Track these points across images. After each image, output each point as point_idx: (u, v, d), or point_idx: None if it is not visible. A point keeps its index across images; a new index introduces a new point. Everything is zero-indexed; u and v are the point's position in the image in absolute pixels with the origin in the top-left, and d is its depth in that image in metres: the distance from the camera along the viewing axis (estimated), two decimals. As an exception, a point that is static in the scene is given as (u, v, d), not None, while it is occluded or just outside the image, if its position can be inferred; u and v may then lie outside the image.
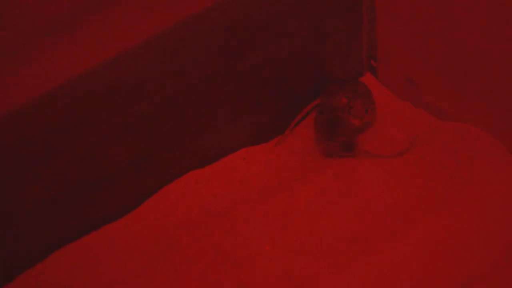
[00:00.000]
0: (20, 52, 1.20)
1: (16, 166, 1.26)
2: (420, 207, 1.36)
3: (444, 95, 1.49)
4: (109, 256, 1.36)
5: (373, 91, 1.55)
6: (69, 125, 1.28)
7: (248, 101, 1.48)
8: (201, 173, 1.47)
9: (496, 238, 1.30)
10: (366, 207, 1.37)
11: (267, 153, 1.51)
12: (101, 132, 1.32)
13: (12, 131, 1.23)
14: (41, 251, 1.35)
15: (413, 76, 1.53)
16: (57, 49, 1.22)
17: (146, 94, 1.34)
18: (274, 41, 1.44)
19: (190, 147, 1.45)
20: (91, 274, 1.34)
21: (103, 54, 1.25)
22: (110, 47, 1.25)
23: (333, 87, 1.53)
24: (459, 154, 1.43)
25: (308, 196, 1.40)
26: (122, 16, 1.24)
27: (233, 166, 1.49)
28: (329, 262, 1.30)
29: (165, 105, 1.37)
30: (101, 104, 1.29)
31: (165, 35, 1.29)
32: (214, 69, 1.38)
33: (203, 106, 1.42)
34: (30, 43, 1.19)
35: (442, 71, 1.46)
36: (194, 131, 1.44)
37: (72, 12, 1.20)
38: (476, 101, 1.44)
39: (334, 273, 1.29)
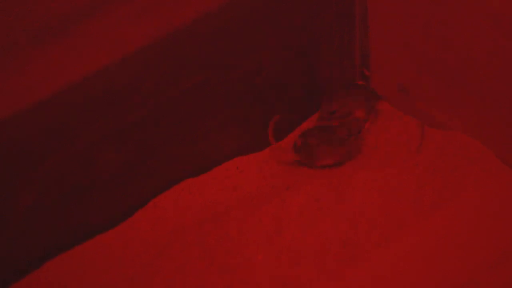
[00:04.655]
0: (12, 60, 1.20)
1: (9, 173, 1.26)
2: (414, 212, 1.36)
3: (437, 104, 1.50)
4: (103, 264, 1.36)
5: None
6: (62, 132, 1.28)
7: (242, 109, 1.48)
8: (194, 181, 1.47)
9: (489, 243, 1.30)
10: (360, 213, 1.37)
11: (260, 162, 1.51)
12: (94, 140, 1.32)
13: (4, 137, 1.23)
14: (37, 259, 1.35)
15: (406, 85, 1.54)
16: (50, 56, 1.22)
17: (140, 101, 1.34)
18: (267, 49, 1.45)
19: (183, 156, 1.45)
20: (86, 282, 1.34)
21: (96, 61, 1.25)
22: (104, 54, 1.26)
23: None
24: (452, 161, 1.44)
25: (301, 203, 1.40)
26: (117, 23, 1.24)
27: (227, 174, 1.49)
28: (323, 269, 1.30)
29: (158, 113, 1.37)
30: (94, 112, 1.30)
31: (159, 42, 1.29)
32: (207, 76, 1.39)
33: (196, 114, 1.43)
34: (24, 50, 1.19)
35: (435, 79, 1.47)
36: (187, 140, 1.44)
37: (66, 19, 1.21)
38: (469, 110, 1.44)
39: (329, 280, 1.29)
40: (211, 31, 1.35)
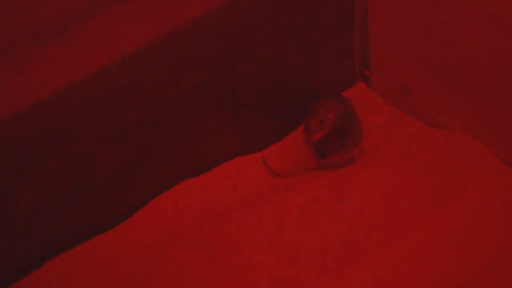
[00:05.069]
0: (12, 60, 1.20)
1: (9, 173, 1.26)
2: (414, 212, 1.36)
3: (437, 104, 1.50)
4: (103, 264, 1.36)
5: (365, 100, 1.56)
6: (62, 132, 1.28)
7: (242, 109, 1.48)
8: (194, 181, 1.48)
9: (489, 243, 1.30)
10: (360, 213, 1.37)
11: (260, 162, 1.51)
12: (94, 140, 1.32)
13: (4, 137, 1.23)
14: (37, 259, 1.35)
15: (406, 85, 1.53)
16: (50, 56, 1.22)
17: (140, 101, 1.34)
18: (267, 49, 1.45)
19: (183, 156, 1.45)
20: (86, 282, 1.34)
21: (96, 61, 1.25)
22: (104, 54, 1.26)
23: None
24: (452, 161, 1.44)
25: (301, 203, 1.40)
26: (117, 23, 1.24)
27: (226, 174, 1.49)
28: (323, 269, 1.31)
29: (158, 113, 1.37)
30: (94, 112, 1.30)
31: (159, 42, 1.30)
32: (207, 76, 1.39)
33: (196, 114, 1.43)
34: (24, 50, 1.19)
35: (435, 79, 1.47)
36: (187, 140, 1.44)
37: (66, 19, 1.21)
38: (469, 110, 1.44)
39: (329, 280, 1.29)
40: (211, 31, 1.35)
